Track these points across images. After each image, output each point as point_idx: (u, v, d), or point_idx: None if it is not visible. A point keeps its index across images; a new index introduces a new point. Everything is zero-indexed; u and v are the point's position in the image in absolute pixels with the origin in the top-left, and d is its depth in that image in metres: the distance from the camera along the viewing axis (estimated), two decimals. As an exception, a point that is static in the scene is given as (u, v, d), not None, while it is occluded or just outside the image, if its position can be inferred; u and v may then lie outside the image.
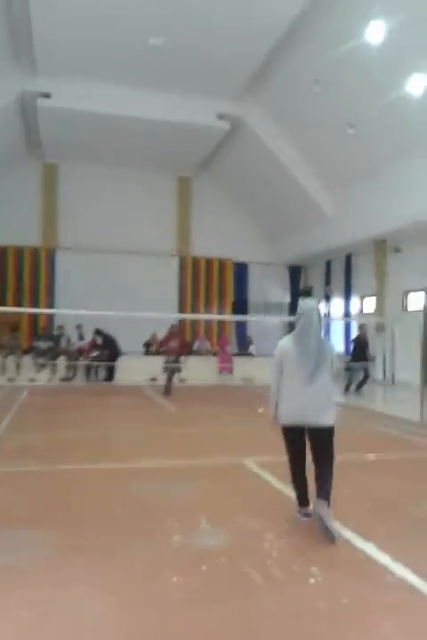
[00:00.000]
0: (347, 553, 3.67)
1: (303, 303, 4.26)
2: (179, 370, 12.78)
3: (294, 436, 4.13)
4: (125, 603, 2.97)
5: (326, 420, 4.01)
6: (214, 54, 12.94)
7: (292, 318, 21.70)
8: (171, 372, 12.44)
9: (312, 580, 3.23)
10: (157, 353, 14.19)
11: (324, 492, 3.95)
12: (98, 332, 14.85)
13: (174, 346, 12.48)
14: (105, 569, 3.37)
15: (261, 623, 2.79)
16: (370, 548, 3.70)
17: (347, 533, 3.97)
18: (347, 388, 13.29)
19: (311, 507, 4.16)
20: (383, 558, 3.55)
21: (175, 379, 12.79)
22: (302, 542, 3.83)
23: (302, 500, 4.23)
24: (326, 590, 3.12)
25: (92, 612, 2.87)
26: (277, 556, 3.55)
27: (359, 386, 13.22)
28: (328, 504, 3.93)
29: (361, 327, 14.10)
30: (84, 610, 2.90)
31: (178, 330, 13.73)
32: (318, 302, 4.35)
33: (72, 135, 16.59)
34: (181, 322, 19.27)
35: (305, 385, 4.00)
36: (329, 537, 3.78)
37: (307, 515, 4.19)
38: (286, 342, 4.23)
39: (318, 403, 4.00)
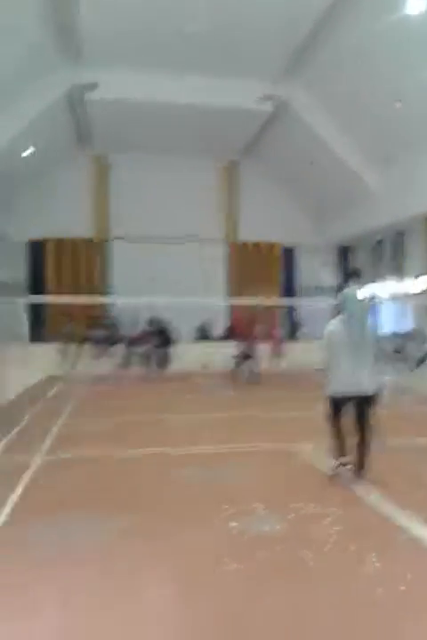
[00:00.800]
0: (404, 539, 3.66)
1: (345, 292, 4.94)
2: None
3: (340, 404, 4.86)
4: (184, 590, 3.05)
5: (371, 389, 4.75)
6: (256, 35, 12.76)
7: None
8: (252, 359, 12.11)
9: (369, 567, 3.25)
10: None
11: (362, 465, 4.75)
12: (151, 322, 15.09)
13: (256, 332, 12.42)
14: (162, 555, 3.46)
15: (318, 611, 2.83)
16: (428, 535, 3.69)
17: (404, 520, 3.96)
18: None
19: (348, 459, 4.80)
20: (442, 545, 3.54)
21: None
22: (358, 528, 3.85)
23: (342, 451, 4.87)
24: (384, 577, 3.13)
25: (151, 600, 2.94)
26: (334, 543, 3.58)
27: None
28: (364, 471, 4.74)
29: None
30: (144, 598, 2.96)
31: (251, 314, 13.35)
32: (359, 289, 5.03)
33: (120, 125, 16.86)
34: (232, 307, 19.35)
35: (353, 362, 4.68)
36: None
37: (344, 464, 4.81)
38: (335, 326, 4.88)
39: (364, 376, 4.71)
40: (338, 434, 4.90)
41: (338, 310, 5.05)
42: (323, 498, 4.46)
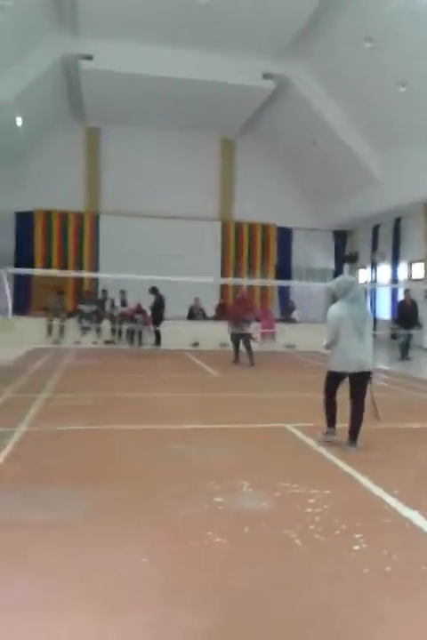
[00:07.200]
0: (392, 521, 3.59)
1: (345, 277, 5.61)
2: (247, 337, 11.92)
3: (339, 379, 5.39)
4: (168, 561, 2.99)
5: (370, 366, 5.32)
6: (260, 12, 12.53)
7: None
8: (238, 339, 11.97)
9: (356, 547, 3.18)
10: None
11: (354, 434, 5.21)
12: (154, 290, 14.74)
13: (236, 311, 12.12)
14: (147, 528, 3.41)
15: (302, 586, 2.77)
16: (415, 517, 3.61)
17: (392, 501, 3.89)
18: (403, 356, 13.41)
19: (336, 430, 5.40)
20: (429, 527, 3.47)
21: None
22: (346, 508, 3.78)
23: (333, 422, 5.43)
24: (370, 557, 3.07)
25: (134, 570, 2.89)
26: (320, 521, 3.51)
27: (403, 353, 13.41)
28: (356, 441, 5.19)
29: (406, 293, 14.03)
30: (128, 567, 2.92)
31: (242, 296, 12.91)
32: (355, 274, 5.33)
33: (114, 97, 16.56)
34: (223, 287, 19.24)
35: (359, 341, 5.19)
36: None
37: (332, 434, 5.39)
38: (340, 310, 5.29)
39: (367, 354, 5.27)
40: (332, 406, 5.44)
41: (334, 294, 5.45)
42: (311, 477, 4.39)
